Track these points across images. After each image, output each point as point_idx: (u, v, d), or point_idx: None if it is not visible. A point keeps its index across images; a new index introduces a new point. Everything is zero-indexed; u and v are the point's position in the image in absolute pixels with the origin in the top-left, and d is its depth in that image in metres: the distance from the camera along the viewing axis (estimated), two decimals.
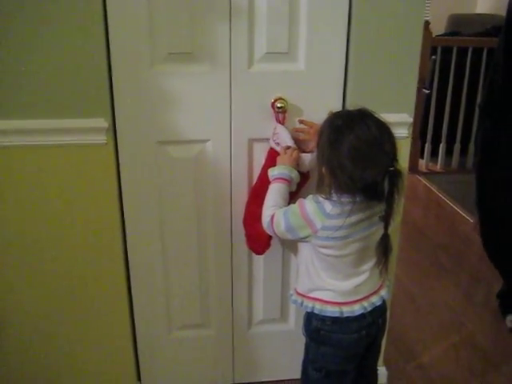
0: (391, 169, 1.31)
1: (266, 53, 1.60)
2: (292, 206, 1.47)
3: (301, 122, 1.64)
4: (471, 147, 4.19)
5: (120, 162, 1.64)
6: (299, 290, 1.54)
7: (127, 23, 1.51)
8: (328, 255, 1.43)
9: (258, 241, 1.67)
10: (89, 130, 1.56)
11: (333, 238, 1.39)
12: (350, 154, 1.31)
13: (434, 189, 3.96)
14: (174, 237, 1.75)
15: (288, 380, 2.01)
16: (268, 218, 1.49)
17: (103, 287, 1.74)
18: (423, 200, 3.82)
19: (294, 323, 1.94)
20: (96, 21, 1.48)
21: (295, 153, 1.58)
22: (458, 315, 2.51)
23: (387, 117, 1.59)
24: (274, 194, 1.53)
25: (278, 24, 1.58)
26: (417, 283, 2.70)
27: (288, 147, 1.59)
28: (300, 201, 1.45)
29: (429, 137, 4.19)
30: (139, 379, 1.94)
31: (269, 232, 1.52)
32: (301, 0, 1.56)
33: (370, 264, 1.47)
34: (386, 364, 2.03)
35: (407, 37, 1.61)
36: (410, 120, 1.68)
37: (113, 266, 1.72)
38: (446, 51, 4.00)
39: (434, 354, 2.22)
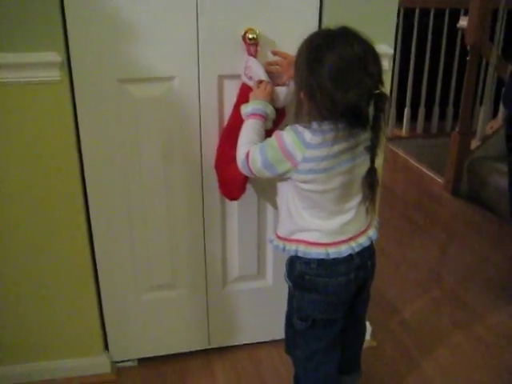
0: (376, 92, 1.19)
1: None
2: (268, 139, 1.33)
3: (274, 53, 1.51)
4: (435, 110, 4.15)
5: (76, 101, 1.47)
6: (280, 234, 1.41)
7: None
8: (310, 191, 1.30)
9: (233, 184, 1.53)
10: (39, 65, 1.39)
11: (315, 170, 1.26)
12: (331, 75, 1.17)
13: (400, 153, 3.90)
14: (138, 185, 1.60)
15: (269, 342, 1.89)
16: (243, 156, 1.35)
17: (63, 242, 1.58)
18: (390, 163, 3.75)
19: (272, 279, 1.82)
20: None
21: (269, 86, 1.44)
22: (436, 270, 2.45)
23: None
24: (249, 130, 1.39)
25: None
26: (392, 241, 2.62)
27: (261, 81, 1.45)
28: (277, 133, 1.31)
29: (392, 101, 4.13)
30: (107, 348, 1.79)
31: (244, 171, 1.38)
32: None
33: (355, 201, 1.35)
34: (369, 320, 1.93)
35: None
36: (391, 51, 1.58)
37: (72, 216, 1.56)
38: (409, 14, 3.92)
39: (416, 308, 2.15)
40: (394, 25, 1.57)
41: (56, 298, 1.65)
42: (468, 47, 3.01)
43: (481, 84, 3.50)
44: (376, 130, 1.23)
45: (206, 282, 1.76)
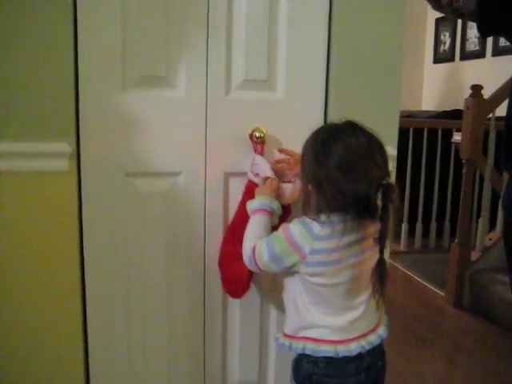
0: (384, 182, 1.21)
1: (245, 80, 1.53)
2: (275, 232, 1.33)
3: (281, 151, 1.54)
4: (433, 226, 4.18)
5: (82, 193, 1.47)
6: (287, 331, 1.35)
7: (98, 43, 1.41)
8: (318, 285, 1.27)
9: (237, 281, 1.50)
10: (50, 154, 1.40)
11: (324, 262, 1.24)
12: (339, 166, 1.20)
13: (399, 266, 3.87)
14: (139, 280, 1.55)
15: None
16: (249, 251, 1.34)
17: (56, 337, 1.49)
18: (390, 276, 3.70)
19: None
20: (65, 38, 1.38)
21: (275, 183, 1.45)
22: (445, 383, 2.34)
23: None
24: (255, 225, 1.39)
25: (256, 49, 1.52)
26: (397, 353, 2.52)
27: (267, 178, 1.47)
28: (283, 225, 1.31)
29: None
30: None
31: (251, 266, 1.36)
32: (280, 27, 1.52)
33: (364, 296, 1.31)
34: None
35: (389, 65, 1.58)
36: (394, 153, 1.62)
37: (68, 309, 1.49)
38: (403, 133, 4.06)
39: None
40: (397, 128, 1.63)
41: None
42: (463, 161, 3.10)
43: (476, 198, 3.56)
44: (385, 221, 1.22)
45: None
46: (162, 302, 1.58)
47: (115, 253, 1.52)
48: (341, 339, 1.28)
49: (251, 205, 1.43)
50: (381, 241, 1.24)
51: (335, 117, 1.54)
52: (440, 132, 4.05)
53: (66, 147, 1.41)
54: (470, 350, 2.64)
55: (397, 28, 1.58)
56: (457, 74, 5.98)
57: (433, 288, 3.45)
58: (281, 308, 1.53)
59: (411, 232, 4.22)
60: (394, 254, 4.10)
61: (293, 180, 1.50)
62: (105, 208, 1.49)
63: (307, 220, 1.26)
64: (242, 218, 1.49)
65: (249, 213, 1.43)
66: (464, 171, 3.12)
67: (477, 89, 2.95)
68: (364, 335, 1.30)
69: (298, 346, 1.30)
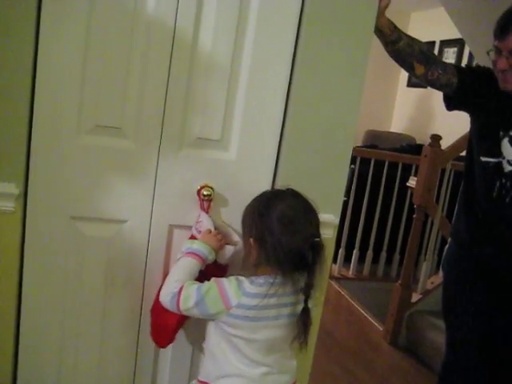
0: (316, 239, 1.33)
1: (198, 138, 1.56)
2: (207, 282, 1.39)
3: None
4: (383, 255, 4.28)
5: (26, 233, 1.49)
6: (201, 378, 1.44)
7: (56, 89, 1.43)
8: (234, 336, 1.36)
9: (163, 333, 1.54)
10: None
11: (245, 317, 1.33)
12: (280, 219, 1.34)
13: (345, 294, 3.96)
14: (74, 327, 1.59)
15: None
16: (175, 290, 1.38)
17: None
18: (334, 304, 3.80)
19: None
20: (23, 81, 1.39)
21: (220, 237, 1.50)
22: None
23: None
24: (185, 269, 1.43)
25: (213, 110, 1.55)
26: None
27: (216, 230, 1.51)
28: (216, 279, 1.39)
29: (343, 243, 4.25)
30: None
31: (168, 305, 1.40)
32: (239, 90, 1.56)
33: (279, 355, 1.41)
34: None
35: (339, 136, 1.63)
36: (336, 221, 1.67)
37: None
38: (365, 162, 4.14)
39: None
40: (342, 198, 1.68)
41: None
42: (415, 206, 3.19)
43: (427, 237, 3.66)
44: (312, 273, 1.33)
45: None
46: (95, 346, 1.61)
47: (53, 294, 1.55)
48: None
49: (190, 244, 1.46)
50: (306, 290, 1.34)
51: (283, 182, 1.61)
52: (400, 166, 4.14)
53: (14, 189, 1.43)
54: None
55: (354, 101, 1.63)
56: (427, 101, 6.11)
57: (373, 321, 3.54)
58: None
59: (361, 259, 4.32)
60: (342, 279, 4.21)
61: (236, 242, 1.54)
62: (47, 248, 1.52)
63: (241, 278, 1.37)
64: None
65: (183, 250, 1.47)
66: (414, 216, 3.20)
67: (435, 138, 3.04)
68: None
69: None
